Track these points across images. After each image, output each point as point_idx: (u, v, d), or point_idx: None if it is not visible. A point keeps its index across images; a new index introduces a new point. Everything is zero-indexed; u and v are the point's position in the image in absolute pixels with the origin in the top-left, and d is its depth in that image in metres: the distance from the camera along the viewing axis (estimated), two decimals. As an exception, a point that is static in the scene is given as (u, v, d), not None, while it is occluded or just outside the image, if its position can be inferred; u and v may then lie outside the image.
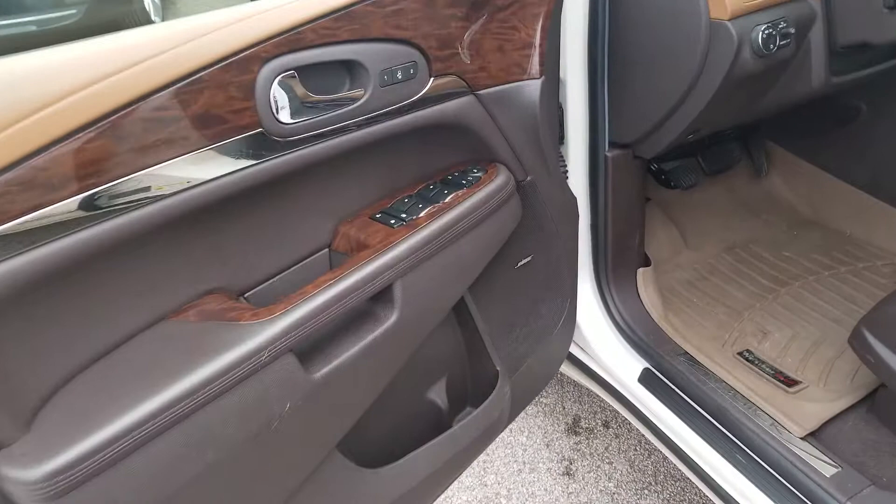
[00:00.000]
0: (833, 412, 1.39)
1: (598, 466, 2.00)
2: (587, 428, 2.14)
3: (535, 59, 1.12)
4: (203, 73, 0.77)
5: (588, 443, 2.09)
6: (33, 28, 5.19)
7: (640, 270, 1.68)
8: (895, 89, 1.65)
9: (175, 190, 0.78)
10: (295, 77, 0.86)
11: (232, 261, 0.92)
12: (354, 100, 0.93)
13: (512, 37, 1.09)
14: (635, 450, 2.04)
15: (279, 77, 0.84)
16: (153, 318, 0.85)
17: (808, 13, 1.39)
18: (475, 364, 1.26)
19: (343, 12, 0.88)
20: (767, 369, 1.54)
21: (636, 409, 1.57)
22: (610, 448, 2.06)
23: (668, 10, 1.31)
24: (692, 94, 1.35)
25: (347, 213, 1.06)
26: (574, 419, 2.17)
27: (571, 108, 1.43)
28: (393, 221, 1.02)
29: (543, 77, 1.13)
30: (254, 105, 0.82)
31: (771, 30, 1.30)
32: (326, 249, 1.04)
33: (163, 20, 6.22)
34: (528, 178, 1.20)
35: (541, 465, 2.03)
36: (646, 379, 1.55)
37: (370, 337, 0.94)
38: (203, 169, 0.80)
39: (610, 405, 1.73)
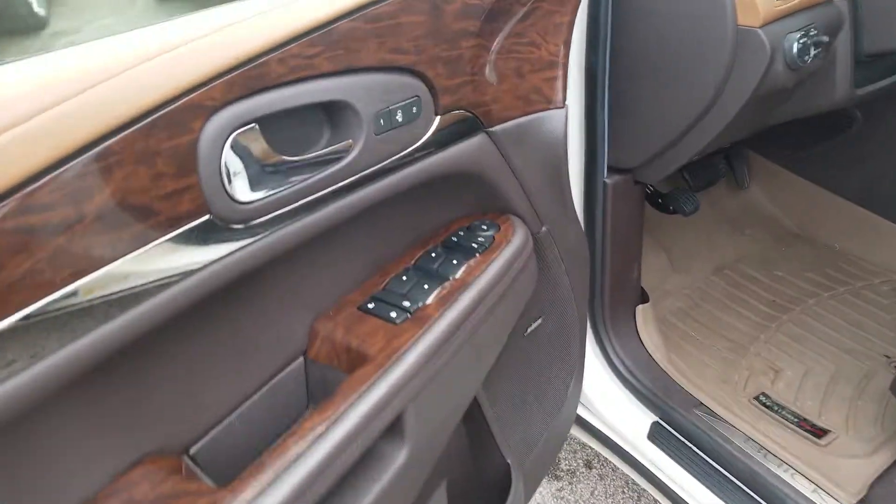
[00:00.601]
0: (876, 470, 1.23)
1: (586, 516, 1.80)
2: (568, 470, 1.94)
3: (559, 83, 0.88)
4: (110, 142, 0.48)
5: (571, 488, 1.88)
6: None
7: (640, 308, 1.47)
8: (894, 96, 1.51)
9: (68, 336, 0.49)
10: (255, 130, 0.58)
11: (168, 407, 0.64)
12: (340, 156, 0.66)
13: (531, 55, 0.84)
14: (623, 492, 1.86)
15: (233, 134, 0.56)
16: None
17: (837, 18, 1.21)
18: (482, 460, 1.02)
19: (321, 32, 0.62)
20: (790, 417, 1.37)
21: (646, 471, 1.37)
22: (596, 492, 1.86)
23: (686, 15, 1.09)
24: (711, 112, 1.14)
25: (326, 302, 0.79)
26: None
27: (568, 130, 1.20)
28: (394, 314, 0.76)
29: (566, 104, 0.90)
30: (196, 182, 0.54)
31: (805, 38, 1.10)
32: (301, 358, 0.76)
33: (48, 14, 5.59)
34: (544, 230, 0.96)
35: (522, 519, 1.81)
36: (656, 435, 1.35)
37: (376, 488, 0.68)
38: (114, 288, 0.51)
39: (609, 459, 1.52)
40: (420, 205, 0.84)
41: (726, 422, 1.32)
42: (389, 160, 0.71)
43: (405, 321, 0.75)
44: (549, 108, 0.89)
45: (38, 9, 5.47)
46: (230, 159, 0.56)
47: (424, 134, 0.74)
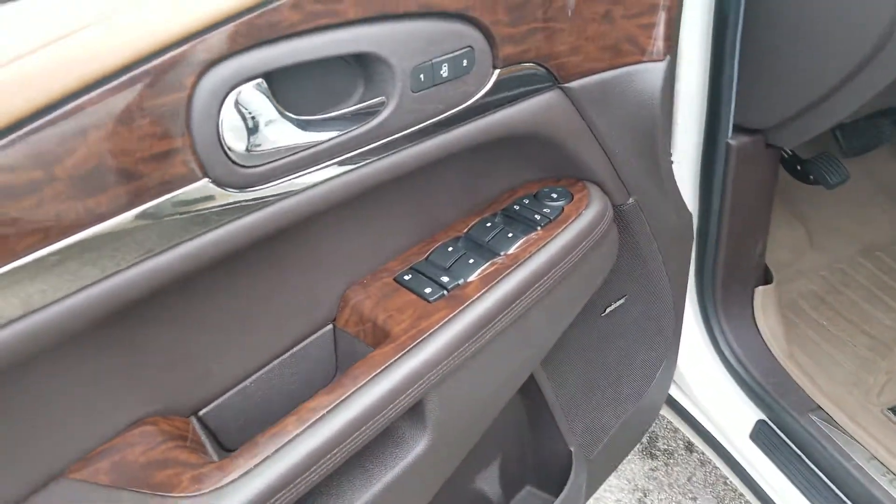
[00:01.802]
0: None
1: (679, 502, 1.66)
2: (665, 450, 1.80)
3: (660, 31, 0.72)
4: (82, 99, 0.42)
5: (667, 470, 1.74)
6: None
7: (760, 290, 1.28)
8: None
9: (68, 290, 0.46)
10: (262, 86, 0.50)
11: (179, 367, 0.59)
12: (368, 115, 0.56)
13: None
14: (725, 483, 1.69)
15: (235, 91, 0.49)
16: (48, 470, 0.53)
17: None
18: (542, 445, 0.92)
19: None
20: (931, 437, 1.15)
21: (743, 472, 1.22)
22: (694, 479, 1.71)
23: None
24: (875, 61, 0.91)
25: (363, 269, 0.71)
26: (650, 438, 1.83)
27: (685, 82, 1.02)
28: (429, 290, 0.67)
29: (668, 57, 0.74)
30: (188, 142, 0.47)
31: None
32: (330, 325, 0.70)
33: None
34: (631, 201, 0.82)
35: (608, 495, 1.71)
36: (760, 435, 1.19)
37: (389, 475, 0.61)
38: (101, 258, 0.46)
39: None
40: (478, 167, 0.73)
41: (847, 433, 1.13)
42: (432, 120, 0.60)
43: (439, 299, 0.66)
44: (645, 61, 0.73)
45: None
46: (231, 118, 0.48)
47: (478, 91, 0.63)
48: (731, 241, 1.17)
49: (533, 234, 0.72)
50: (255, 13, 0.48)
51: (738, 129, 1.06)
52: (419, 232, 0.74)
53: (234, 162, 0.50)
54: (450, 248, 0.72)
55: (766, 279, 1.32)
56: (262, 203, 0.53)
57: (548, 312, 0.72)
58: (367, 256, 0.71)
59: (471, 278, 0.68)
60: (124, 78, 0.43)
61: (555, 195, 0.76)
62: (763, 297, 1.28)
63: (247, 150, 0.50)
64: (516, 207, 0.76)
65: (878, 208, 1.63)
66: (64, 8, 0.45)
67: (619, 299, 0.92)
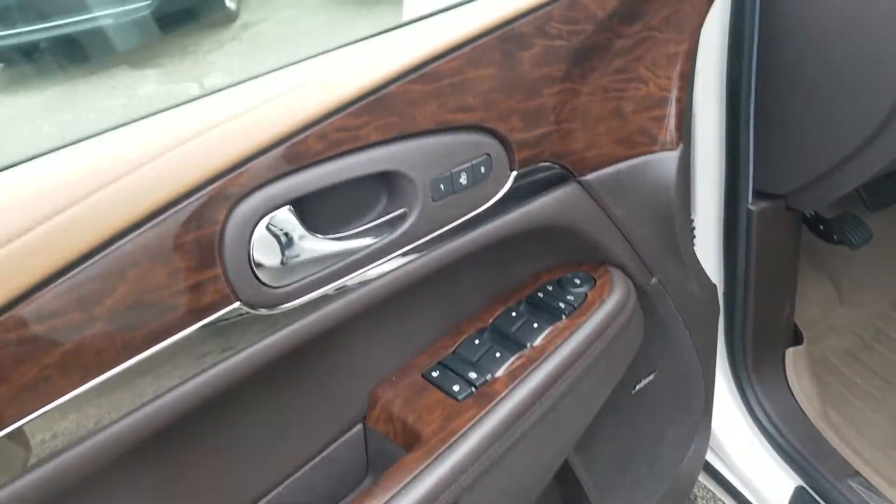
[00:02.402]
0: None
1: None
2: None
3: (671, 122, 0.75)
4: (120, 243, 0.46)
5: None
6: (110, 21, 5.13)
7: (791, 351, 1.28)
8: None
9: (109, 420, 0.49)
10: (290, 210, 0.54)
11: (214, 479, 0.62)
12: (391, 226, 0.60)
13: (636, 92, 0.73)
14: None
15: (264, 219, 0.52)
16: None
17: None
18: None
19: (369, 101, 0.56)
20: (976, 499, 1.13)
21: None
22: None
23: (859, 8, 0.88)
24: (892, 127, 0.92)
25: (390, 366, 0.74)
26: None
27: (702, 150, 1.04)
28: (457, 388, 0.69)
29: (681, 146, 0.77)
30: (220, 273, 0.51)
31: None
32: (360, 425, 0.73)
33: (238, 8, 6.06)
34: (654, 281, 0.84)
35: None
36: (799, 502, 1.18)
37: None
38: (134, 388, 0.49)
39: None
40: (500, 259, 0.76)
41: (888, 500, 1.11)
42: (454, 223, 0.64)
43: (468, 397, 0.68)
44: (658, 151, 0.76)
45: (230, 3, 5.96)
46: (261, 242, 0.53)
47: (496, 193, 0.66)
48: (758, 306, 1.18)
49: (558, 323, 0.74)
50: (283, 147, 0.52)
51: (759, 194, 1.08)
52: (445, 325, 0.77)
53: (264, 283, 0.53)
54: (476, 341, 0.74)
55: (797, 339, 1.32)
56: (292, 319, 0.56)
57: (577, 401, 0.74)
58: (396, 353, 0.73)
59: (498, 373, 0.70)
60: (159, 219, 0.47)
61: (577, 281, 0.79)
62: (794, 357, 1.28)
63: (276, 270, 0.54)
64: (540, 295, 0.78)
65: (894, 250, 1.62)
66: (98, 158, 0.50)
67: (647, 376, 0.94)
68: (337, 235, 0.58)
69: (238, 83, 0.60)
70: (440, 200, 0.62)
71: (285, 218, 0.54)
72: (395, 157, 0.58)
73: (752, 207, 1.08)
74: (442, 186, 0.61)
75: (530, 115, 0.65)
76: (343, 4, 5.45)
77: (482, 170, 0.63)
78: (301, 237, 0.55)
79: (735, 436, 1.23)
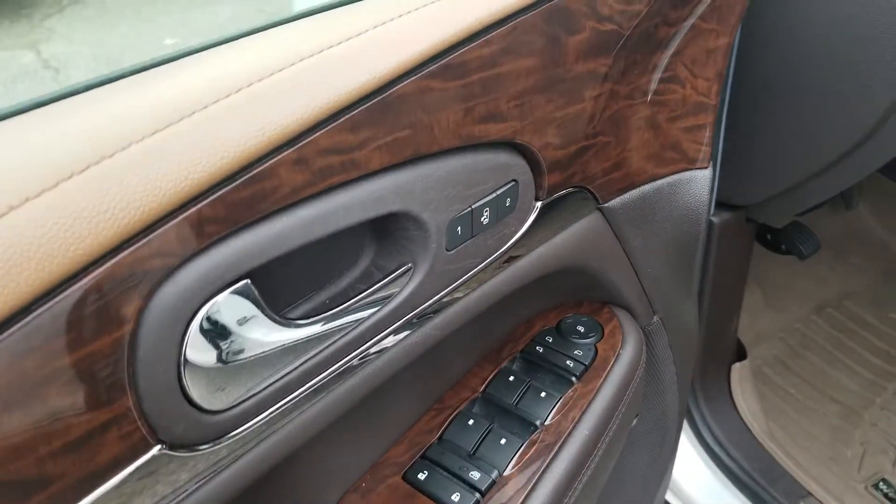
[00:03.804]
0: None
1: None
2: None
3: (706, 134, 0.63)
4: None
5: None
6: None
7: (736, 366, 1.22)
8: None
9: None
10: (245, 288, 0.35)
11: None
12: (387, 289, 0.42)
13: (672, 96, 0.59)
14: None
15: (203, 310, 0.33)
16: None
17: None
18: None
19: (370, 105, 0.37)
20: (920, 514, 1.12)
21: None
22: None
23: (843, 15, 0.80)
24: (878, 141, 0.85)
25: (359, 465, 0.55)
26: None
27: None
28: (456, 497, 0.52)
29: (712, 163, 0.65)
30: (129, 406, 0.31)
31: None
32: None
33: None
34: (656, 320, 0.72)
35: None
36: (753, 528, 1.12)
37: None
38: None
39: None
40: (491, 316, 0.60)
41: (844, 523, 1.07)
42: (466, 276, 0.47)
43: None
44: (688, 168, 0.63)
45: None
46: (198, 347, 0.33)
47: (516, 232, 0.50)
48: (710, 321, 1.10)
49: (569, 390, 0.60)
50: (233, 185, 0.32)
51: (720, 205, 0.99)
52: (425, 399, 0.60)
53: (199, 409, 0.34)
54: (470, 421, 0.57)
55: (741, 355, 1.26)
56: (242, 450, 0.37)
57: (594, 485, 0.60)
58: (364, 447, 0.55)
59: (508, 470, 0.53)
60: (19, 326, 0.27)
61: (581, 328, 0.64)
62: (740, 374, 1.22)
63: (219, 385, 0.35)
64: (539, 349, 0.63)
65: (825, 265, 1.62)
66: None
67: (632, 419, 0.82)
68: (311, 320, 0.39)
69: (134, 71, 0.39)
70: (455, 249, 0.45)
71: (235, 302, 0.34)
72: (404, 191, 0.40)
73: (713, 219, 0.99)
74: (459, 229, 0.44)
75: (568, 125, 0.50)
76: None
77: (507, 202, 0.47)
78: (255, 327, 0.36)
79: (686, 464, 1.15)
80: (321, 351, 0.39)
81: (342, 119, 0.36)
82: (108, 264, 0.29)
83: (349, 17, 0.43)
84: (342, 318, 0.40)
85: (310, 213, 0.36)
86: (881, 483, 1.17)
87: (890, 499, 1.15)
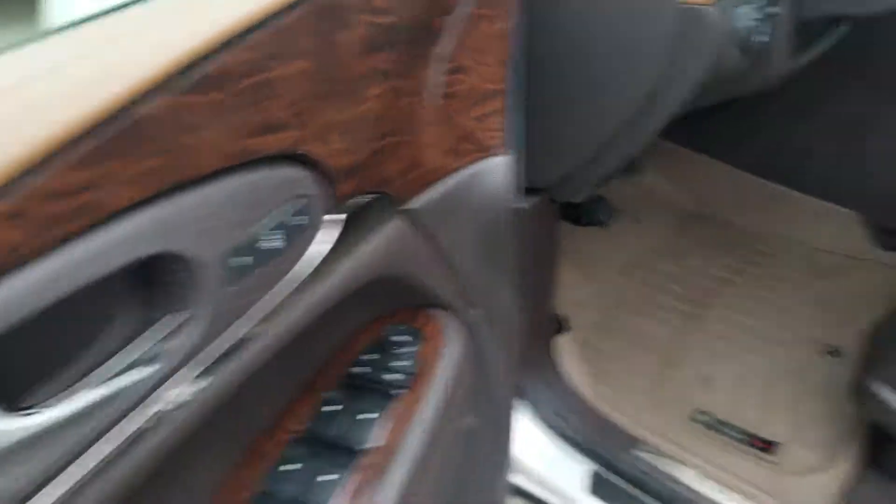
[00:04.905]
0: (841, 483, 1.10)
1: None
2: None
3: (497, 121, 0.64)
4: None
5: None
6: None
7: (560, 339, 1.29)
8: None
9: None
10: None
11: None
12: (163, 344, 0.38)
13: (459, 88, 0.59)
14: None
15: None
16: None
17: None
18: None
19: (111, 130, 0.33)
20: (735, 434, 1.23)
21: None
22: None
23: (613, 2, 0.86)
24: (652, 110, 0.92)
25: None
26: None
27: None
28: None
29: (512, 150, 0.67)
30: None
31: (757, 12, 0.92)
32: None
33: None
34: (476, 312, 0.73)
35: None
36: (599, 488, 1.17)
37: None
38: None
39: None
40: (300, 340, 0.57)
41: (672, 457, 1.15)
42: (261, 314, 0.44)
43: None
44: (485, 157, 0.64)
45: None
46: None
47: (314, 250, 0.47)
48: (528, 302, 1.15)
49: (394, 404, 0.58)
50: None
51: (527, 190, 1.03)
52: (235, 452, 0.55)
53: None
54: (289, 466, 0.53)
55: (559, 328, 1.32)
56: None
57: (440, 489, 0.59)
58: None
59: None
60: None
61: (399, 338, 0.63)
62: (565, 345, 1.29)
63: None
64: (359, 370, 0.61)
65: (625, 229, 1.75)
66: None
67: (467, 417, 0.82)
68: (45, 405, 0.34)
69: None
70: (241, 283, 0.40)
71: None
72: (165, 229, 0.35)
73: (523, 205, 1.03)
74: (243, 260, 0.40)
75: (354, 128, 0.48)
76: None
77: (298, 220, 0.44)
78: None
79: (525, 442, 1.19)
80: (80, 432, 0.34)
81: (68, 155, 0.31)
82: None
83: (70, 40, 0.39)
84: (99, 389, 0.35)
85: (36, 274, 0.31)
86: (698, 414, 1.27)
87: (708, 425, 1.25)
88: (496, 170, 0.65)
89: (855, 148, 1.59)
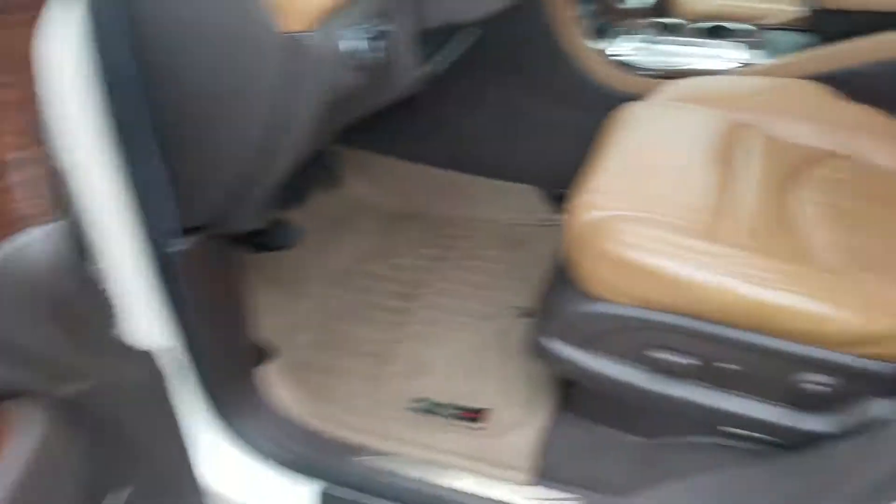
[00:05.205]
0: (536, 431, 1.19)
1: None
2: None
3: (32, 189, 0.57)
4: None
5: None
6: None
7: (261, 370, 1.24)
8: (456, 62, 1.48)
9: None
10: None
11: None
12: None
13: None
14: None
15: None
16: None
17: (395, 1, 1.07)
18: None
19: None
20: (449, 412, 1.28)
21: None
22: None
23: (215, 35, 0.82)
24: (277, 143, 0.91)
25: None
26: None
27: (108, 208, 0.87)
28: None
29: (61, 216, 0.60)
30: None
31: (368, 31, 0.94)
32: None
33: None
34: (77, 388, 0.66)
35: None
36: (330, 504, 1.16)
37: None
38: None
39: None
40: None
41: (393, 454, 1.17)
42: None
43: None
44: (23, 229, 0.57)
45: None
46: None
47: None
48: (215, 342, 1.09)
49: None
50: None
51: (185, 231, 0.97)
52: None
53: None
54: None
55: (262, 356, 1.28)
56: None
57: None
58: None
59: None
60: None
61: None
62: (267, 376, 1.24)
63: None
64: None
65: (332, 240, 1.76)
66: None
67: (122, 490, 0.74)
68: None
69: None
70: None
71: None
72: None
73: (179, 248, 0.96)
74: None
75: None
76: None
77: None
78: None
79: (240, 479, 1.13)
80: None
81: None
82: None
83: None
84: None
85: None
86: (414, 403, 1.31)
87: (425, 411, 1.29)
88: (41, 238, 0.61)
89: (521, 130, 1.78)
